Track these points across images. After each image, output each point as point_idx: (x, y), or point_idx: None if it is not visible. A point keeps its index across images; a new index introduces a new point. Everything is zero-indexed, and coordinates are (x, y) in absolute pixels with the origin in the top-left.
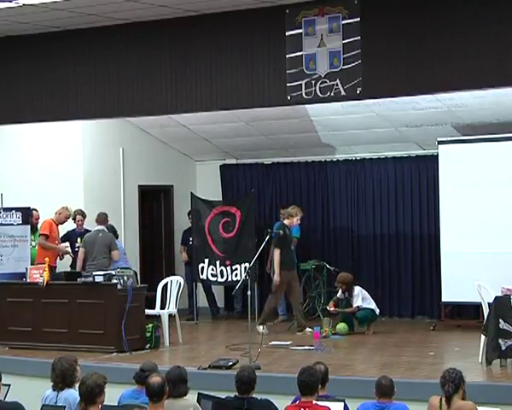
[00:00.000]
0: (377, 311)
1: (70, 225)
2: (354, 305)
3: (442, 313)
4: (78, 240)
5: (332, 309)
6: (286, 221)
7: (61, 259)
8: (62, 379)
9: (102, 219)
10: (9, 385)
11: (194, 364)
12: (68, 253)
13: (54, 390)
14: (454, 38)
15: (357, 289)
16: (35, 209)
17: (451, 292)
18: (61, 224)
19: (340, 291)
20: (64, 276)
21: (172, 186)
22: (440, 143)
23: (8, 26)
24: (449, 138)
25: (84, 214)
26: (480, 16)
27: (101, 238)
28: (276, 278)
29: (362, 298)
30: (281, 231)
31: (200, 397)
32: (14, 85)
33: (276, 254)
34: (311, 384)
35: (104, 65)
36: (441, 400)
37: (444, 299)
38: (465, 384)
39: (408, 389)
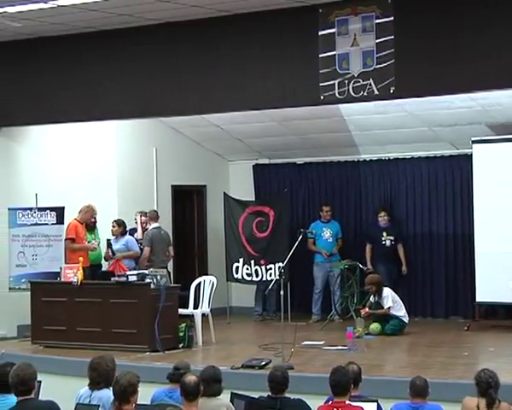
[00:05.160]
0: (406, 318)
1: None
2: (385, 306)
3: (476, 313)
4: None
5: (364, 313)
6: None
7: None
8: (106, 379)
9: (155, 216)
10: (40, 382)
11: (227, 363)
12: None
13: (90, 389)
14: (488, 37)
15: (387, 291)
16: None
17: (486, 292)
18: (86, 222)
19: (371, 297)
20: (99, 275)
21: (205, 186)
22: (474, 142)
23: (41, 27)
24: (483, 138)
25: (146, 214)
26: None
27: (163, 235)
28: None
29: (392, 300)
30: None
31: (234, 397)
32: (49, 86)
33: None
34: (343, 384)
35: (136, 65)
36: (478, 404)
37: (478, 299)
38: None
39: (441, 390)
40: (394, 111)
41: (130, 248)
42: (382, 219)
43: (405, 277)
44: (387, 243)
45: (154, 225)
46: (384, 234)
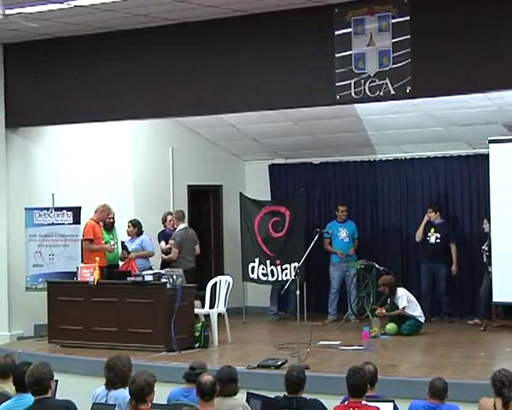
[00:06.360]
0: (422, 318)
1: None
2: (400, 306)
3: (493, 313)
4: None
5: (379, 312)
6: None
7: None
8: (122, 379)
9: (182, 215)
10: (57, 381)
11: (243, 363)
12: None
13: (106, 389)
14: (505, 36)
15: (401, 291)
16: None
17: (502, 292)
18: (103, 222)
19: (388, 300)
20: (115, 275)
21: (221, 186)
22: (491, 142)
23: (57, 28)
24: (499, 137)
25: (172, 213)
26: None
27: (191, 235)
28: None
29: (407, 300)
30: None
31: (250, 397)
32: (65, 86)
33: None
34: (360, 386)
35: (152, 65)
36: (495, 404)
37: (495, 299)
38: None
39: (458, 390)
40: (410, 111)
41: (144, 247)
42: (427, 216)
43: (421, 276)
44: (432, 239)
45: (182, 226)
46: (432, 230)
